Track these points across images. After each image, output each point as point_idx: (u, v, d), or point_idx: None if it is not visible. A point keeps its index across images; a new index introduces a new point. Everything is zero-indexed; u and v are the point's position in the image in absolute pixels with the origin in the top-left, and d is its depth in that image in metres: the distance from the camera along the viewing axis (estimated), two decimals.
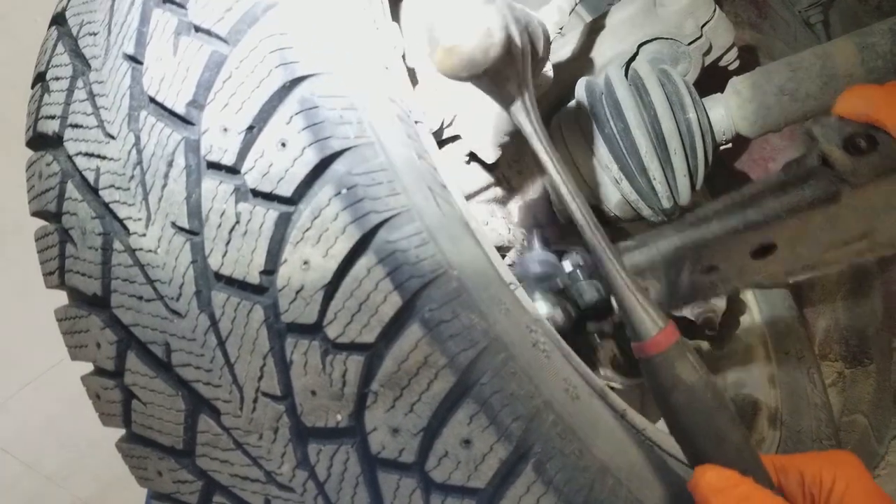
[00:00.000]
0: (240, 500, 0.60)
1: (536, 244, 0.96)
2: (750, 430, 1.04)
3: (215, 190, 0.55)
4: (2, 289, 1.72)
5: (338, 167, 0.53)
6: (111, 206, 0.61)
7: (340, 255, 0.52)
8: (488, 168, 0.91)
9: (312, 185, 0.53)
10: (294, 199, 0.53)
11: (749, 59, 1.18)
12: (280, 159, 0.54)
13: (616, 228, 1.18)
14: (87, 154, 0.63)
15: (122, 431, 0.66)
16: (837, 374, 1.39)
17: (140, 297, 0.59)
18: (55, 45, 0.72)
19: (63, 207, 0.65)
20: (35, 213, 0.71)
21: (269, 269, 0.54)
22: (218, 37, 0.57)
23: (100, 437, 1.71)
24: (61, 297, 0.70)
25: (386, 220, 0.53)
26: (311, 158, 0.53)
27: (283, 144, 0.54)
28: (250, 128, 0.55)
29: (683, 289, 0.86)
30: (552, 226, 1.01)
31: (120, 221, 0.60)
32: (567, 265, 0.89)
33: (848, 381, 1.38)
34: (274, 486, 0.57)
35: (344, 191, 0.53)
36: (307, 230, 0.53)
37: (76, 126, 0.65)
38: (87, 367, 0.68)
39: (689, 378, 0.58)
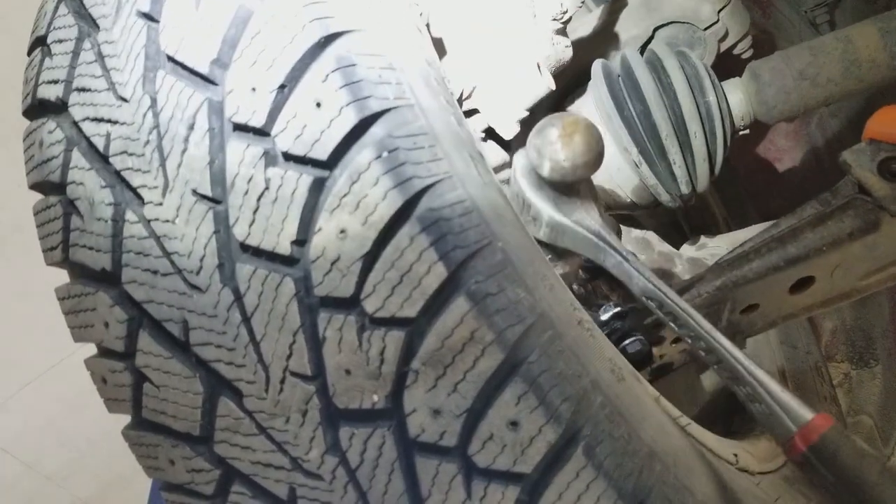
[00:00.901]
0: (261, 489, 0.56)
1: None
2: None
3: (242, 154, 0.51)
4: (2, 289, 1.69)
5: (377, 129, 0.50)
6: (123, 173, 0.57)
7: (381, 222, 0.48)
8: (504, 146, 0.89)
9: (350, 147, 0.50)
10: (330, 163, 0.49)
11: (762, 50, 1.16)
12: (315, 120, 0.50)
13: (626, 217, 1.16)
14: (95, 119, 0.59)
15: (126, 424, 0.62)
16: (844, 375, 1.38)
17: (155, 272, 0.55)
18: (57, 7, 0.67)
19: (68, 177, 0.61)
20: (34, 185, 0.66)
21: (302, 239, 0.50)
22: None
23: (100, 437, 1.71)
24: None
25: (429, 187, 0.50)
26: (349, 119, 0.49)
27: (319, 104, 0.50)
28: (282, 87, 0.51)
29: (722, 330, 0.84)
30: None
31: (133, 190, 0.56)
32: (602, 315, 0.85)
33: (854, 382, 1.37)
34: (300, 473, 0.54)
35: (385, 154, 0.49)
36: (344, 196, 0.49)
37: (83, 90, 0.61)
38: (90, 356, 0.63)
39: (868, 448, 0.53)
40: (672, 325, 0.62)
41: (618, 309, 0.83)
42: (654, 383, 0.87)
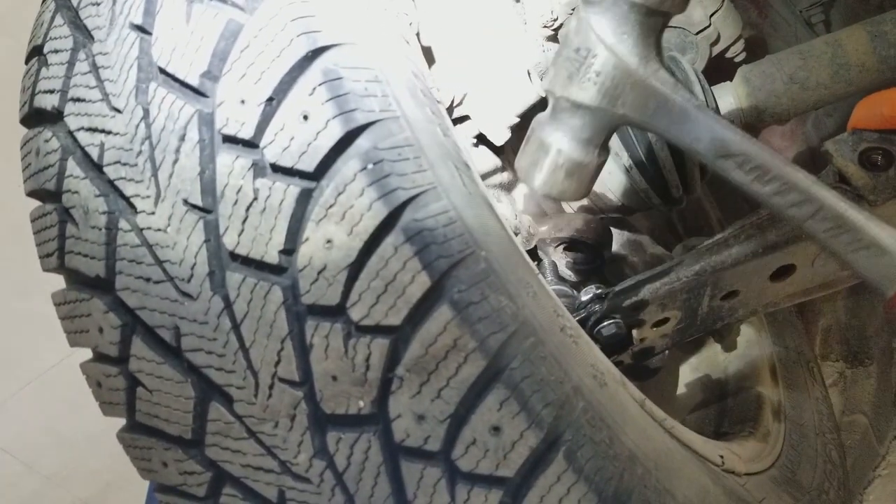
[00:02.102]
0: (251, 491, 0.57)
1: (550, 276, 0.95)
2: (756, 424, 1.03)
3: (232, 165, 0.53)
4: (2, 289, 1.70)
5: (363, 141, 0.51)
6: (116, 183, 0.58)
7: (366, 233, 0.50)
8: (496, 151, 0.89)
9: (336, 159, 0.51)
10: (317, 175, 0.51)
11: (755, 53, 1.17)
12: (302, 132, 0.51)
13: (619, 220, 1.17)
14: (90, 129, 0.60)
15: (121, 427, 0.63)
16: (838, 375, 1.38)
17: (148, 279, 0.56)
18: (53, 17, 0.68)
19: (63, 185, 0.62)
20: (31, 193, 0.67)
21: (289, 248, 0.51)
22: (234, 4, 0.55)
23: (100, 437, 1.71)
24: None
25: (413, 198, 0.51)
26: (335, 131, 0.51)
27: (306, 117, 0.51)
28: (270, 99, 0.52)
29: (703, 316, 0.85)
30: (558, 215, 1.00)
31: (126, 199, 0.57)
32: (583, 296, 0.86)
33: (849, 381, 1.37)
34: (289, 476, 0.55)
35: (370, 166, 0.50)
36: (331, 207, 0.50)
37: (78, 100, 0.62)
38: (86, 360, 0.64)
39: None
40: (755, 184, 0.58)
41: (598, 290, 0.84)
42: (637, 370, 0.88)
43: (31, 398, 1.78)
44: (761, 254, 0.79)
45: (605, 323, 0.82)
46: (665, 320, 0.85)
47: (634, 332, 0.85)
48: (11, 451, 1.77)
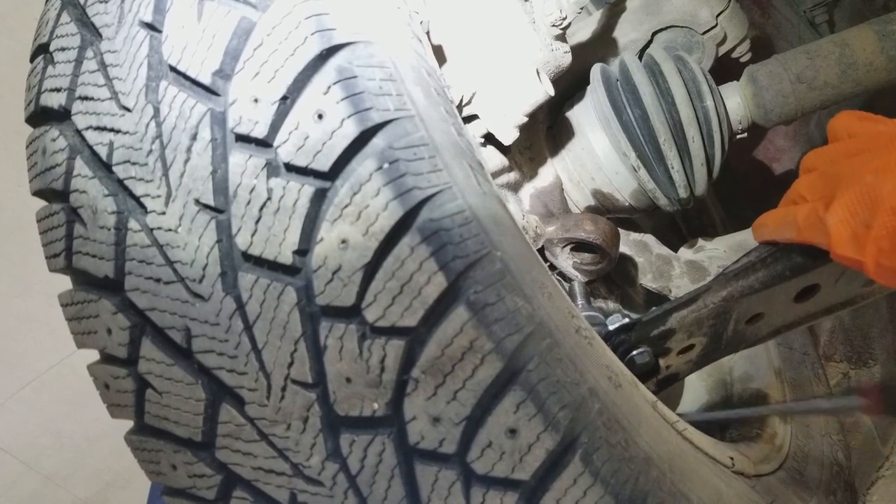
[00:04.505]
0: (263, 494, 0.56)
1: (580, 300, 0.94)
2: (762, 425, 1.02)
3: (244, 164, 0.52)
4: (2, 289, 1.69)
5: (378, 140, 0.50)
6: (126, 182, 0.57)
7: (382, 233, 0.49)
8: (503, 151, 0.89)
9: (352, 159, 0.50)
10: (331, 174, 0.50)
11: (759, 54, 1.16)
12: (317, 131, 0.50)
13: (624, 220, 1.17)
14: (98, 128, 0.60)
15: (124, 428, 0.63)
16: (842, 375, 1.38)
17: (158, 280, 0.56)
18: (59, 15, 0.68)
19: (71, 185, 0.61)
20: (37, 193, 0.67)
21: (303, 249, 0.51)
22: (246, 2, 0.54)
23: (100, 437, 1.70)
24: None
25: (429, 197, 0.50)
26: (350, 130, 0.50)
27: (320, 116, 0.50)
28: (284, 98, 0.51)
29: (727, 340, 0.84)
30: (566, 216, 0.99)
31: (136, 199, 0.57)
32: (611, 324, 0.85)
33: (853, 382, 1.37)
34: (301, 479, 0.54)
35: (386, 165, 0.50)
36: (346, 207, 0.50)
37: (86, 98, 0.61)
38: (93, 361, 0.64)
39: None
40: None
41: (625, 321, 0.83)
42: (659, 394, 0.87)
43: (31, 398, 1.77)
44: (788, 276, 0.78)
45: (636, 353, 0.81)
46: (690, 347, 0.85)
47: (660, 360, 0.84)
48: (11, 451, 1.76)
